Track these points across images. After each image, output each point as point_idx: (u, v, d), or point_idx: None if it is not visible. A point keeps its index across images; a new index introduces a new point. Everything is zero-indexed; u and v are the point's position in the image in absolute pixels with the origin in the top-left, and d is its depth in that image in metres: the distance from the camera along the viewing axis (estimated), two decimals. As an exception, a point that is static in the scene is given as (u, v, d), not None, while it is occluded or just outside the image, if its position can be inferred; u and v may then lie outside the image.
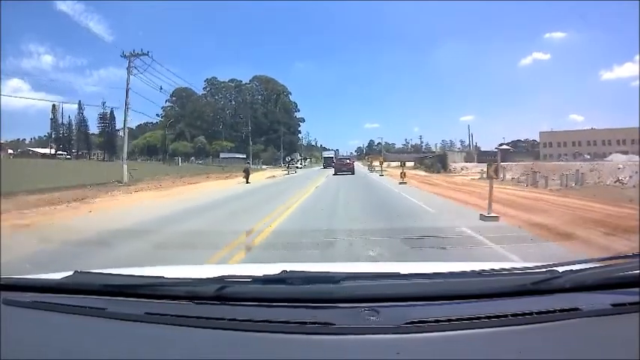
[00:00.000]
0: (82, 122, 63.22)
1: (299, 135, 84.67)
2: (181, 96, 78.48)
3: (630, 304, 0.98)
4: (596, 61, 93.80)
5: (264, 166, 58.32)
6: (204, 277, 1.13)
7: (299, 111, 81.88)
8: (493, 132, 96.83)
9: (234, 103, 78.29)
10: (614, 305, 0.97)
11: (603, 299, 0.99)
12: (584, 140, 59.98)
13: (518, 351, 0.86)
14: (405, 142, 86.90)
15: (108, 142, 61.61)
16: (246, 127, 73.74)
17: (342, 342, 0.87)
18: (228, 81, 78.03)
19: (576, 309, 0.96)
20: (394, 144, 79.23)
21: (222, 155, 59.40)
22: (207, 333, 0.92)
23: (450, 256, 4.57)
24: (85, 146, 64.25)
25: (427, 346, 0.86)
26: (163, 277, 1.17)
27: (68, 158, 53.70)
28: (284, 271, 1.07)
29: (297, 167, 56.76)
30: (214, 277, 1.08)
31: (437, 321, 0.91)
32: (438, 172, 29.65)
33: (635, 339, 0.86)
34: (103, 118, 61.89)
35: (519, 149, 57.19)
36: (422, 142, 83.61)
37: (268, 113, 74.25)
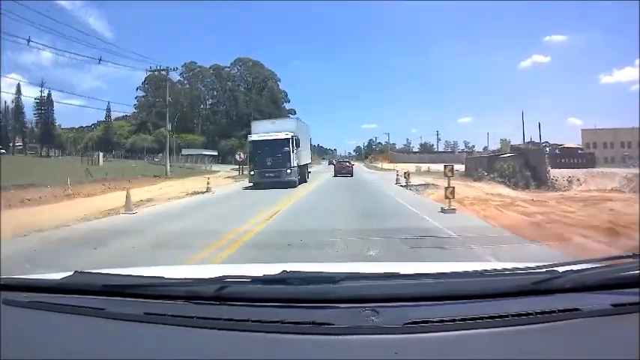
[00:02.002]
0: (19, 110, 48.51)
1: (289, 130, 70.84)
2: (155, 83, 63.80)
3: (630, 304, 1.04)
4: (595, 65, 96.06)
5: (215, 168, 44.30)
6: (203, 277, 1.18)
7: (289, 101, 68.40)
8: (493, 134, 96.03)
9: (215, 92, 64.08)
10: (614, 305, 1.03)
11: (603, 299, 1.05)
12: (634, 141, 51.52)
13: (519, 351, 0.92)
14: (406, 142, 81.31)
15: (44, 134, 47.08)
16: (227, 117, 59.62)
17: (342, 342, 0.93)
18: (210, 67, 63.78)
19: (576, 309, 1.02)
20: (394, 144, 75.12)
21: (184, 152, 50.96)
22: (206, 333, 0.97)
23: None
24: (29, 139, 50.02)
25: (427, 346, 0.92)
26: (163, 277, 1.22)
27: (2, 153, 44.66)
28: (284, 271, 1.12)
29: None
30: (214, 277, 1.13)
31: (437, 321, 0.97)
32: (530, 187, 15.51)
33: (635, 339, 0.91)
34: (39, 103, 47.46)
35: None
36: (439, 140, 74.24)
37: (250, 102, 60.14)
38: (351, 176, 27.82)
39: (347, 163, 31.56)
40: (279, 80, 70.97)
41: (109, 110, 57.00)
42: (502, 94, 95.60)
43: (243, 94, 66.39)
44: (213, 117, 65.49)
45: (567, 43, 79.16)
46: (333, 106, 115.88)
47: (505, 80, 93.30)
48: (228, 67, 68.72)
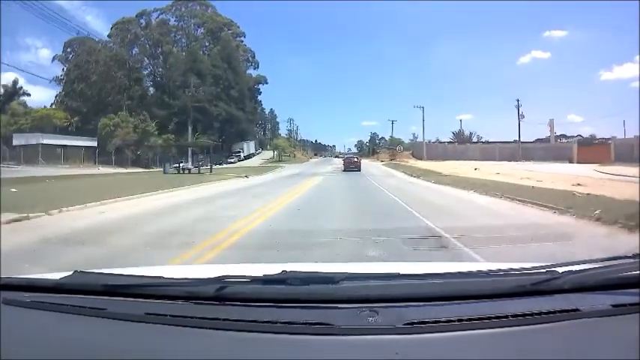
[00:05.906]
0: None
1: (258, 109, 46.58)
2: (78, 50, 46.89)
3: (630, 304, 1.04)
4: (596, 61, 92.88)
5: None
6: (203, 277, 1.19)
7: (257, 67, 44.45)
8: (493, 131, 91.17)
9: (138, 50, 40.51)
10: (614, 306, 1.04)
11: (603, 300, 1.06)
12: None
13: (519, 351, 0.93)
14: (412, 137, 73.95)
15: None
16: (155, 86, 36.64)
17: (341, 342, 0.94)
18: (135, 15, 40.28)
19: (576, 310, 1.03)
20: (400, 138, 67.06)
21: (45, 140, 33.10)
22: (206, 333, 0.99)
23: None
24: None
25: (427, 346, 0.94)
26: (163, 277, 1.23)
27: None
28: (284, 271, 1.13)
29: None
30: (214, 277, 1.14)
31: (437, 322, 0.99)
32: None
33: (635, 340, 0.93)
34: None
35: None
36: (523, 116, 66.84)
37: (187, 60, 36.13)
38: (359, 170, 29.64)
39: (354, 159, 34.80)
40: (244, 35, 47.62)
41: (68, 84, 37.28)
42: (501, 91, 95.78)
43: (178, 50, 42.88)
44: (134, 87, 42.33)
45: (567, 38, 78.52)
46: (332, 103, 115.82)
47: (504, 76, 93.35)
48: (162, 11, 45.23)
